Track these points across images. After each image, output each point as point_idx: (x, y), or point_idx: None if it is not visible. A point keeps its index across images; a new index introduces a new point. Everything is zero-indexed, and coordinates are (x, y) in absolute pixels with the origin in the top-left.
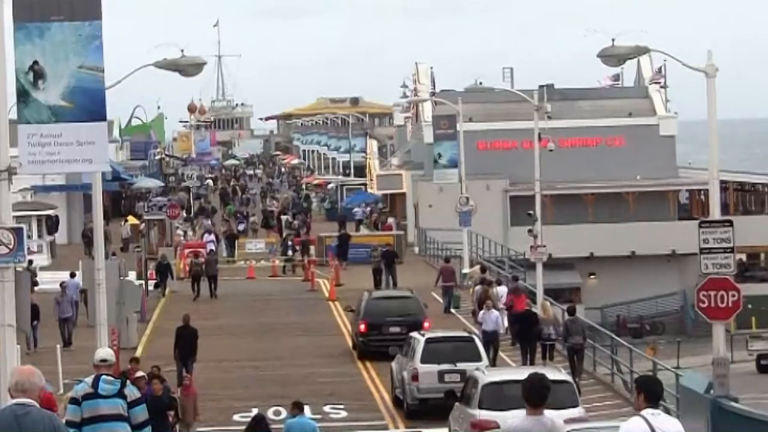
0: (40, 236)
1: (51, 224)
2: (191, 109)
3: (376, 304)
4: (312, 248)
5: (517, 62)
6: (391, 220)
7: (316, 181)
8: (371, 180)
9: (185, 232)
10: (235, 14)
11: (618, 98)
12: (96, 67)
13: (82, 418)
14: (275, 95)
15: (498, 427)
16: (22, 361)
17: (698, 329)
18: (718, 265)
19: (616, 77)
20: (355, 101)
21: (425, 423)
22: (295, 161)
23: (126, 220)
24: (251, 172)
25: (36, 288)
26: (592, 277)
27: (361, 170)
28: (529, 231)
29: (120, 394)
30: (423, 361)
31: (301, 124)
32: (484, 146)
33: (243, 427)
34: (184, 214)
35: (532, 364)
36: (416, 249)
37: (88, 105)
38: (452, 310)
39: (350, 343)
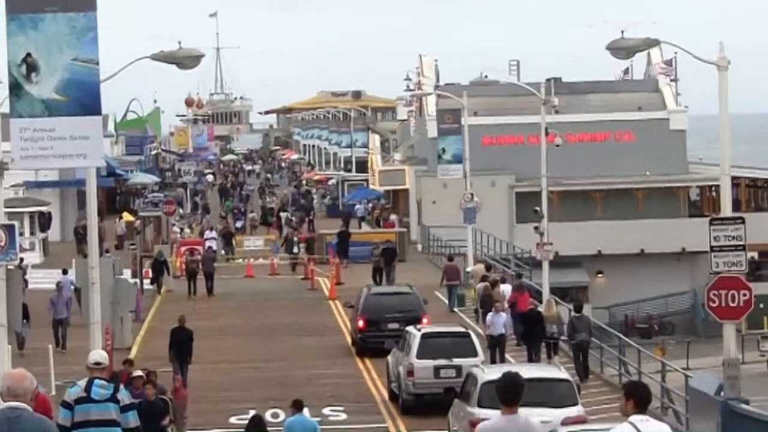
0: (32, 233)
1: (44, 221)
2: (188, 102)
3: (374, 300)
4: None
5: (524, 55)
6: (393, 217)
7: (316, 177)
8: (373, 176)
9: (182, 229)
10: (234, 5)
11: (627, 92)
12: (90, 59)
13: (73, 422)
14: (275, 88)
15: None
16: (13, 362)
17: (708, 329)
18: (729, 264)
19: (626, 70)
20: (357, 95)
21: (421, 418)
22: (295, 156)
23: (121, 217)
24: (250, 167)
25: (27, 288)
26: (599, 275)
27: (362, 166)
28: (536, 228)
29: (113, 399)
30: (419, 357)
31: (302, 118)
32: (489, 141)
33: (240, 430)
34: (181, 211)
35: (537, 362)
36: (419, 247)
37: (83, 98)
38: (455, 309)
39: (350, 343)
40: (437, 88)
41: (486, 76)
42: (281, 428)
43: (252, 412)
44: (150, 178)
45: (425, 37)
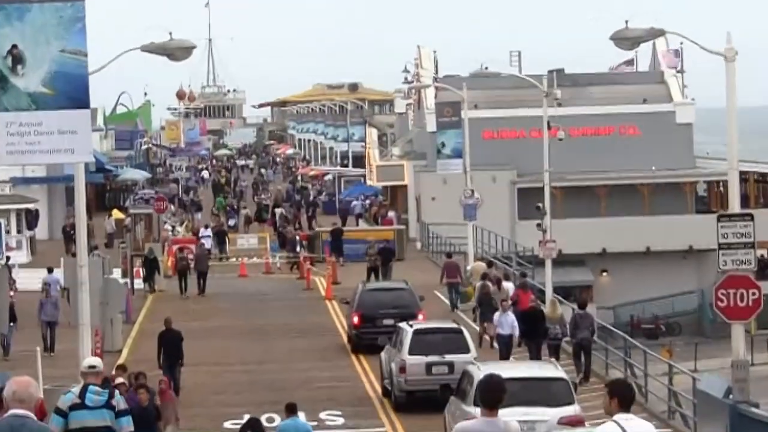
0: (19, 231)
1: (31, 219)
2: (180, 95)
3: (370, 296)
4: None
5: (526, 46)
6: (391, 213)
7: (312, 172)
8: (371, 171)
9: (173, 227)
10: None
11: (632, 84)
12: (79, 51)
13: (68, 429)
14: (269, 81)
15: None
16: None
17: (717, 330)
18: (738, 262)
19: (630, 61)
20: (353, 87)
21: (419, 421)
22: (290, 151)
23: (110, 215)
24: (243, 162)
25: (16, 287)
26: (604, 274)
27: (359, 160)
28: (538, 225)
29: (107, 405)
30: (411, 353)
31: (297, 111)
32: (490, 135)
33: None
34: (173, 208)
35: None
36: (418, 244)
37: (71, 91)
38: (458, 307)
39: (347, 340)
40: (436, 81)
41: (486, 68)
42: None
43: (246, 417)
44: (140, 174)
45: (424, 27)
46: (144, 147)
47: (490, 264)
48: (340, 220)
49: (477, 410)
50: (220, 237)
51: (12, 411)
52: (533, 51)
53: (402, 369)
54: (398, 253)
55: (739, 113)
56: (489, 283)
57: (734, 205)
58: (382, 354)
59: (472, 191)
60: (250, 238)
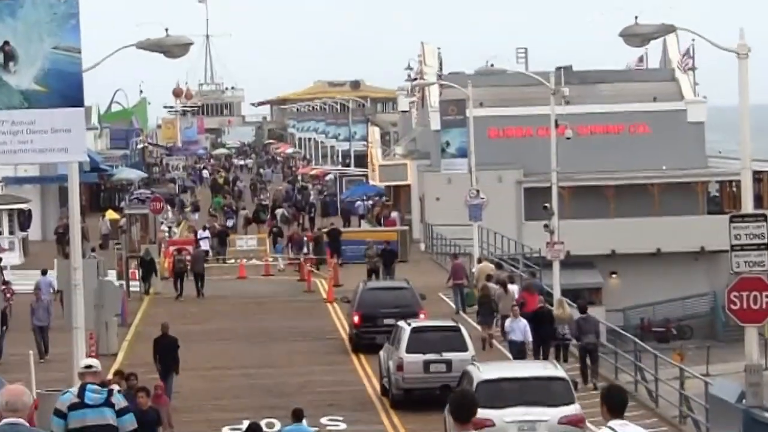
0: (11, 232)
1: (23, 219)
2: (177, 93)
3: (370, 295)
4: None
5: (532, 42)
6: (394, 214)
7: (312, 172)
8: (373, 171)
9: (170, 228)
10: None
11: (642, 81)
12: (72, 47)
13: (69, 429)
14: (269, 78)
15: (494, 425)
16: None
17: (729, 333)
18: (751, 263)
19: (641, 58)
20: (355, 85)
21: (415, 418)
22: (290, 150)
23: (104, 215)
24: (242, 162)
25: (10, 288)
26: (613, 276)
27: (361, 160)
28: (545, 226)
29: (107, 403)
30: (408, 351)
31: (297, 109)
32: (495, 134)
33: None
34: (169, 208)
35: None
36: (422, 246)
37: (64, 89)
38: (465, 310)
39: (348, 340)
40: (440, 78)
41: (492, 65)
42: None
43: (246, 422)
44: (136, 174)
45: (427, 23)
46: (140, 146)
47: (499, 265)
48: (342, 221)
49: (478, 411)
50: (221, 238)
51: (5, 420)
52: (540, 47)
53: (399, 367)
54: (401, 254)
55: (751, 111)
56: (490, 285)
57: (747, 206)
58: (381, 353)
59: (478, 191)
60: (249, 239)
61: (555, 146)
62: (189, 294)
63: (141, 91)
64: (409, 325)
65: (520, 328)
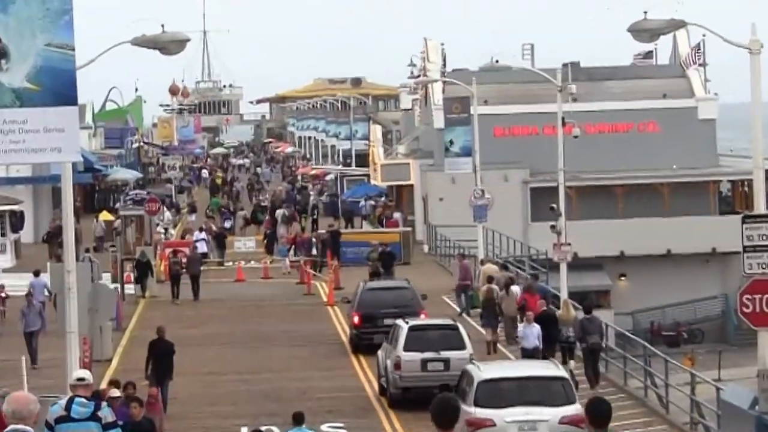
0: (3, 234)
1: (15, 221)
2: (173, 91)
3: (371, 295)
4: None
5: (538, 38)
6: (397, 215)
7: (313, 172)
8: (375, 170)
9: (166, 230)
10: None
11: (651, 78)
12: (66, 44)
13: None
14: (268, 75)
15: (494, 425)
16: None
17: (742, 337)
18: (764, 265)
19: (648, 54)
20: (356, 82)
21: (416, 421)
22: (290, 149)
23: (97, 217)
24: (240, 161)
25: (6, 294)
26: (622, 278)
27: (363, 159)
28: (552, 227)
29: (93, 417)
30: (406, 349)
31: (297, 107)
32: (501, 132)
33: None
34: (166, 210)
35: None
36: (425, 247)
37: (57, 87)
38: (469, 312)
39: (348, 340)
40: (444, 75)
41: (497, 62)
42: None
43: (244, 430)
44: (131, 174)
45: (431, 18)
46: (135, 145)
47: (504, 267)
48: (343, 222)
49: (477, 410)
50: (219, 240)
51: (11, 427)
52: (546, 43)
53: (397, 365)
54: (404, 256)
55: (764, 108)
56: (492, 287)
57: (760, 206)
58: (379, 352)
59: (483, 191)
60: (248, 241)
61: (562, 145)
62: (185, 297)
63: (136, 89)
64: (407, 323)
65: (534, 334)
